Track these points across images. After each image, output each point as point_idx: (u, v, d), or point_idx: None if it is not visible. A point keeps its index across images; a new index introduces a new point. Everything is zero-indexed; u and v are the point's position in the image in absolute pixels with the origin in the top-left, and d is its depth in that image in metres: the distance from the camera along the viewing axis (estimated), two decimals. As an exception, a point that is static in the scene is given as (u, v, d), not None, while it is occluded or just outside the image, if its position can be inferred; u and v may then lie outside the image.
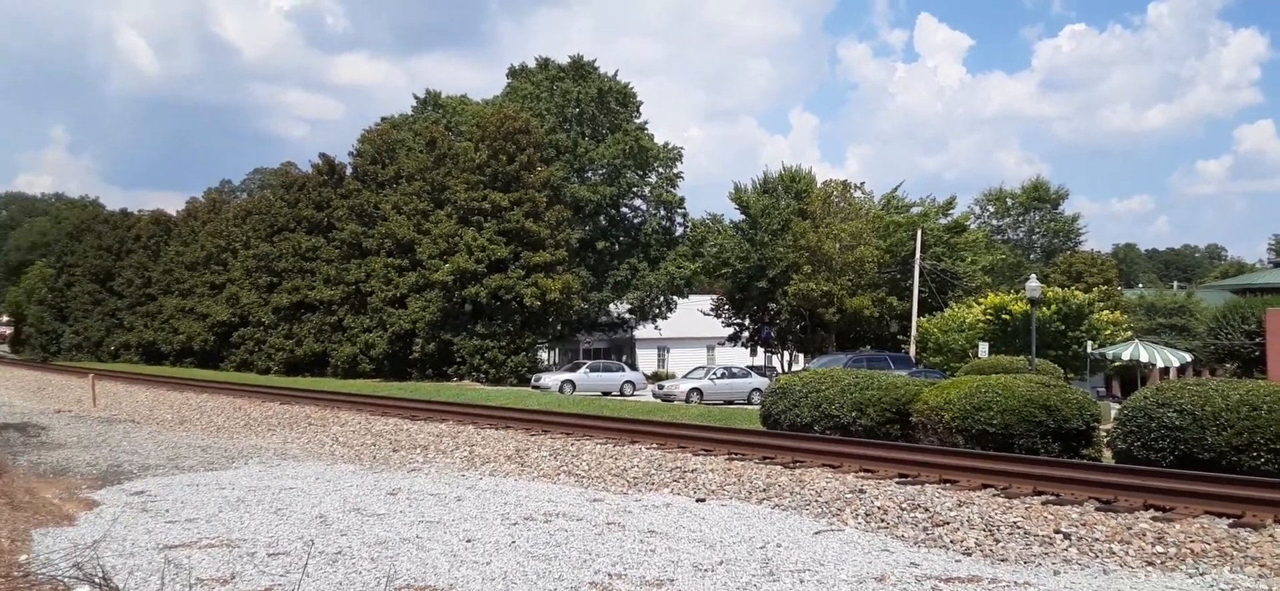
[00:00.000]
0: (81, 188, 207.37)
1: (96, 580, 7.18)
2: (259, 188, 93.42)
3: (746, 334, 55.01)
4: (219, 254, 63.74)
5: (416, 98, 64.77)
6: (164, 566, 8.10)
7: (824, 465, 14.09)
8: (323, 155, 57.49)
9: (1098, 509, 10.61)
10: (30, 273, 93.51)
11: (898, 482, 12.66)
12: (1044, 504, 10.96)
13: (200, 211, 72.55)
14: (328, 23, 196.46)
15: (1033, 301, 30.74)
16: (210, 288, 63.20)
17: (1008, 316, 36.22)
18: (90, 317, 76.00)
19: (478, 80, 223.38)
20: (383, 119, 62.30)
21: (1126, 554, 9.12)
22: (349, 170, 56.10)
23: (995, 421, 15.84)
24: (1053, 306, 35.79)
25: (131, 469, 15.69)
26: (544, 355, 53.37)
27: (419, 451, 18.02)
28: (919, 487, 12.24)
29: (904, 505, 11.28)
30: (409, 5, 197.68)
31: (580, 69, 54.17)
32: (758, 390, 32.74)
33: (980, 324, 37.21)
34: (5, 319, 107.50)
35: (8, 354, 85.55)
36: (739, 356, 54.72)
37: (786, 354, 54.02)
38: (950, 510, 10.92)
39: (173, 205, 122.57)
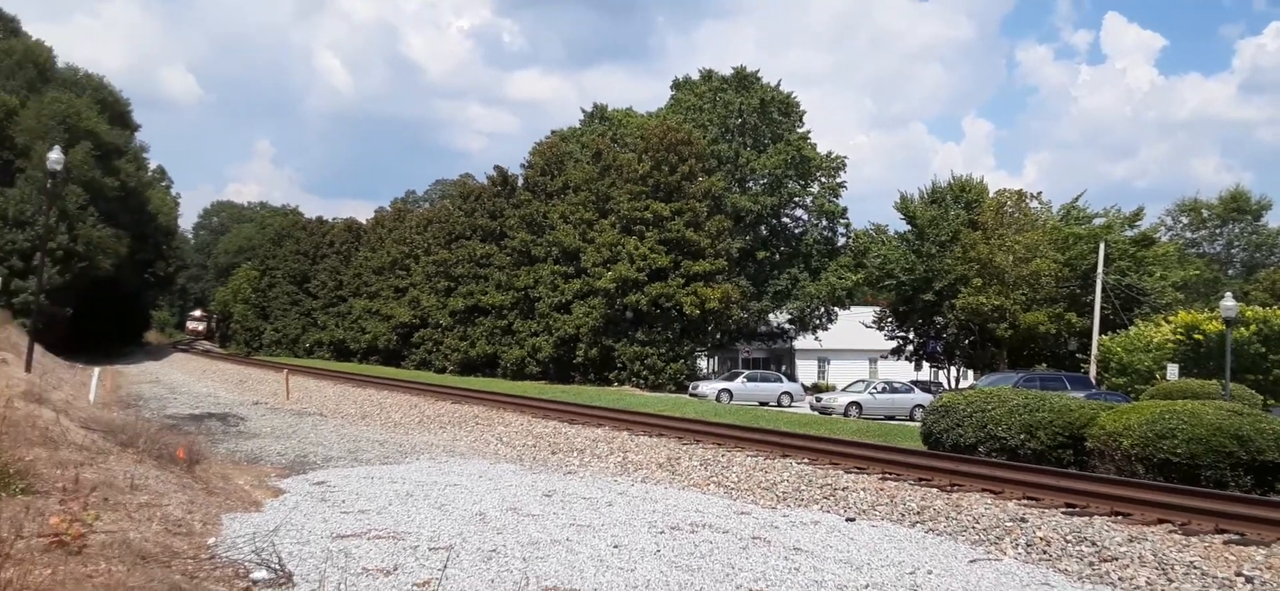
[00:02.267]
0: (283, 197, 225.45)
1: (272, 566, 7.83)
2: (439, 198, 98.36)
3: (910, 347, 53.37)
4: (403, 259, 67.56)
5: (584, 111, 66.74)
6: (334, 555, 8.74)
7: (984, 490, 13.55)
8: (497, 167, 60.08)
9: (1289, 552, 9.74)
10: (237, 274, 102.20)
11: (1064, 512, 12.02)
12: (1226, 543, 10.16)
13: (386, 220, 77.15)
14: (505, 41, 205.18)
15: (1228, 321, 28.35)
16: (394, 291, 67.09)
17: (1200, 336, 33.54)
18: (288, 316, 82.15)
19: (644, 92, 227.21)
20: (552, 132, 64.47)
21: (1320, 604, 8.35)
22: (520, 181, 58.30)
23: (1180, 451, 14.79)
24: (1252, 327, 32.88)
25: (316, 460, 16.91)
26: (703, 363, 53.60)
27: (576, 454, 18.54)
28: (1087, 519, 11.58)
29: (1069, 537, 10.72)
30: (581, 22, 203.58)
31: (743, 79, 54.16)
32: (920, 406, 31.73)
33: (1169, 344, 34.64)
34: (198, 314, 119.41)
35: (215, 348, 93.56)
36: (903, 370, 53.16)
37: (954, 370, 52.02)
38: (1120, 545, 10.30)
39: (363, 213, 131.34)
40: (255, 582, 7.24)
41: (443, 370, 56.92)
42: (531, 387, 42.12)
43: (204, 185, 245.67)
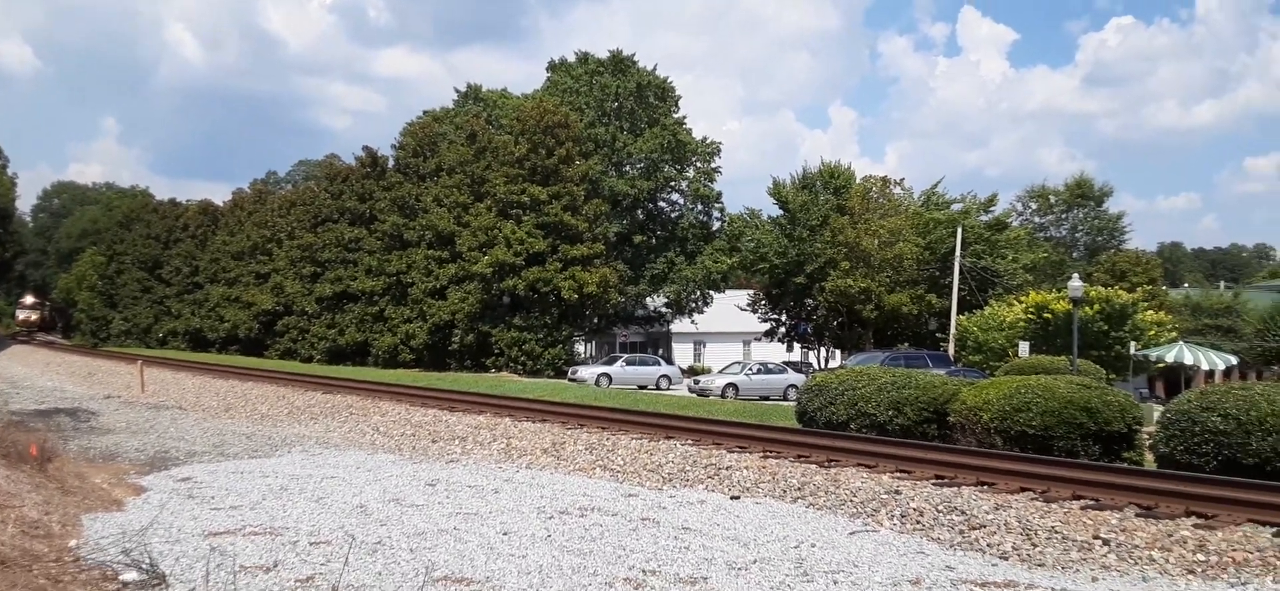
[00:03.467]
0: (131, 178, 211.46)
1: (144, 566, 7.38)
2: (304, 179, 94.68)
3: (783, 329, 54.82)
4: (264, 244, 64.74)
5: (457, 91, 65.38)
6: (209, 553, 8.31)
7: (859, 465, 14.05)
8: (366, 148, 58.15)
9: (1138, 514, 10.48)
10: (81, 260, 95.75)
11: (934, 484, 12.60)
12: (1083, 508, 10.86)
13: (246, 202, 73.73)
14: (370, 16, 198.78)
15: (1075, 301, 30.29)
16: (255, 277, 64.24)
17: (1049, 315, 35.70)
18: (139, 305, 77.60)
19: (518, 74, 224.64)
20: (424, 112, 62.90)
21: (1167, 561, 9.02)
22: (391, 162, 56.70)
23: (1035, 423, 15.68)
24: (1096, 306, 35.21)
25: (178, 455, 16.06)
26: (581, 348, 53.61)
27: (457, 442, 18.25)
28: (956, 489, 12.17)
29: (940, 507, 11.24)
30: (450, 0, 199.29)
31: (619, 63, 54.24)
32: (794, 386, 32.67)
33: (1021, 323, 36.72)
34: (30, 301, 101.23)
35: (59, 340, 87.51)
36: (775, 352, 54.59)
37: (823, 350, 53.77)
38: (987, 513, 10.86)
39: (220, 195, 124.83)
40: (126, 584, 6.81)
41: (309, 359, 54.94)
42: (406, 376, 41.19)
43: (43, 165, 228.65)
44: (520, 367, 44.77)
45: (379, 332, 52.05)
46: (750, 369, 36.51)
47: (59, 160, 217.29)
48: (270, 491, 12.34)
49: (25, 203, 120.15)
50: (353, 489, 12.70)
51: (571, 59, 57.31)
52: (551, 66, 58.51)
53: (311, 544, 9.21)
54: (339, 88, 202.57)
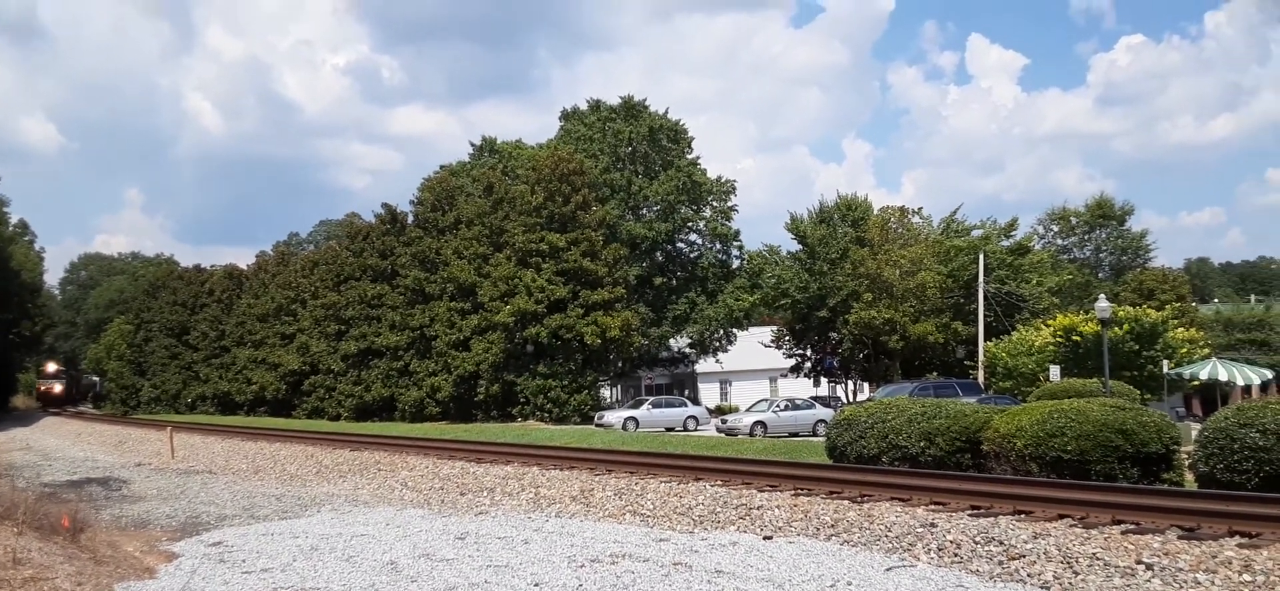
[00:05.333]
0: (156, 246, 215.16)
1: (179, 634, 7.35)
2: (325, 239, 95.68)
3: (809, 364, 54.47)
4: (289, 305, 65.32)
5: (473, 145, 66.08)
6: (242, 617, 8.27)
7: (893, 498, 13.85)
8: (385, 205, 58.83)
9: (1180, 536, 10.24)
10: (110, 329, 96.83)
11: (970, 515, 12.38)
12: (1124, 533, 10.62)
13: (269, 264, 74.55)
14: (384, 77, 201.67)
15: (1103, 321, 29.92)
16: (281, 338, 64.74)
17: (1078, 337, 35.29)
18: (167, 371, 78.31)
19: (531, 125, 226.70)
20: (441, 167, 63.56)
21: (1212, 583, 8.79)
22: (410, 218, 57.22)
23: (1070, 447, 15.43)
24: (1125, 326, 34.77)
25: (209, 519, 16.08)
26: (607, 392, 53.47)
27: (486, 494, 18.17)
28: (993, 519, 11.95)
29: (978, 538, 11.03)
30: (462, 56, 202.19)
31: (631, 109, 54.64)
32: (822, 421, 32.37)
33: (1050, 346, 36.32)
34: (52, 369, 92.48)
35: (88, 410, 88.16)
36: (802, 387, 54.17)
37: (850, 383, 53.33)
38: (1026, 542, 10.65)
39: (243, 259, 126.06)
40: (158, 656, 6.77)
41: (337, 417, 55.15)
42: (433, 429, 41.23)
43: (69, 238, 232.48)
44: (547, 415, 44.69)
45: (405, 387, 52.21)
46: (778, 406, 36.24)
47: (85, 233, 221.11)
48: (300, 552, 12.31)
49: (53, 276, 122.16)
50: (383, 546, 12.65)
51: (583, 107, 57.82)
52: (564, 115, 59.06)
53: (343, 604, 9.16)
54: (356, 148, 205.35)
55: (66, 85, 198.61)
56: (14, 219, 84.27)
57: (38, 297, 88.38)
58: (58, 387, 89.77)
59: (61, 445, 40.28)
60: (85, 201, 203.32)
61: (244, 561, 11.76)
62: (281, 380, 62.44)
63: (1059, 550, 10.19)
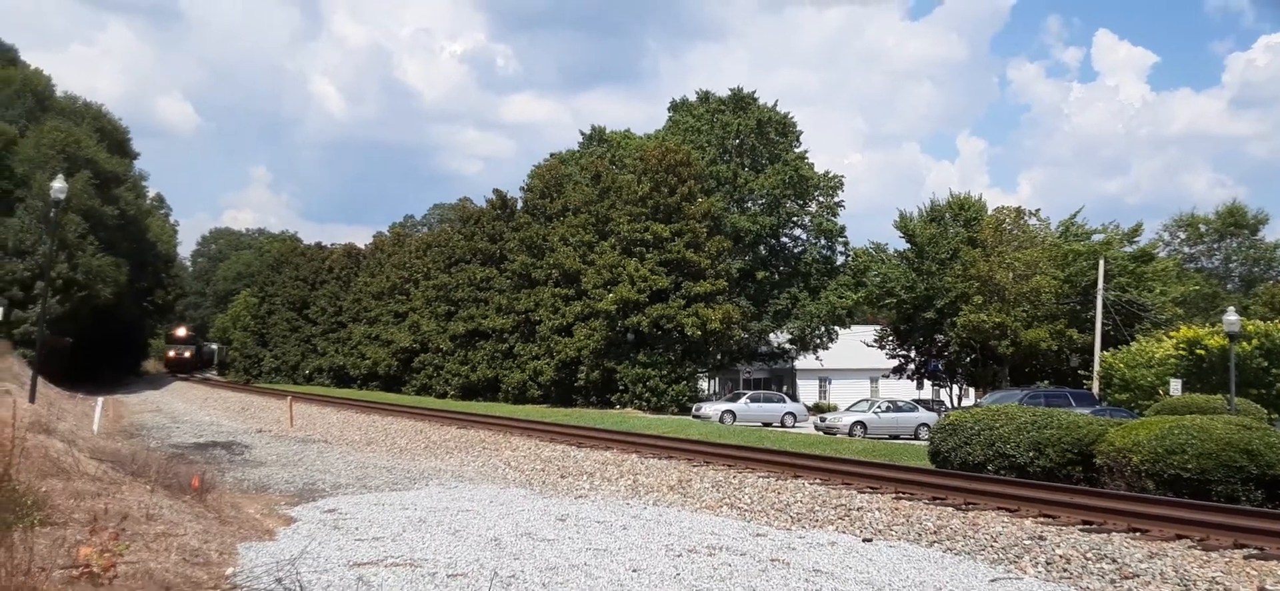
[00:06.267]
0: (280, 223, 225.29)
1: (299, 594, 7.78)
2: (438, 222, 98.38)
3: (912, 366, 53.34)
4: (402, 284, 67.51)
5: (582, 133, 67.02)
6: (355, 584, 8.69)
7: (999, 508, 13.51)
8: (496, 190, 60.20)
9: (1311, 567, 9.72)
10: (236, 301, 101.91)
11: (1081, 530, 11.99)
12: (1246, 558, 10.14)
13: (386, 245, 77.15)
14: (499, 65, 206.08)
15: (1231, 335, 28.39)
16: (394, 316, 67.00)
17: (1203, 351, 33.55)
18: (288, 343, 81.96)
19: (637, 114, 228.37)
20: (551, 155, 64.59)
21: (1346, 619, 8.32)
22: (520, 204, 58.39)
23: (1190, 465, 14.78)
24: (1254, 341, 32.89)
25: (324, 487, 16.82)
26: (704, 384, 53.53)
27: (585, 478, 18.48)
28: (1105, 536, 11.55)
29: (1089, 554, 10.69)
30: (573, 45, 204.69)
31: (740, 100, 54.40)
32: (925, 425, 31.72)
33: (1171, 359, 34.64)
34: (182, 334, 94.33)
35: (214, 376, 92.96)
36: (904, 389, 53.11)
37: (955, 388, 51.98)
38: (1141, 562, 10.27)
39: (361, 239, 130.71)
40: (281, 613, 7.19)
41: (444, 395, 56.78)
42: (534, 411, 42.03)
43: (201, 212, 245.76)
44: (644, 404, 45.03)
45: (509, 369, 53.37)
46: (879, 406, 35.65)
47: (215, 208, 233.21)
48: (409, 523, 12.78)
49: (185, 248, 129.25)
50: (487, 522, 13.03)
51: (692, 98, 57.88)
52: (673, 106, 59.21)
53: (449, 575, 9.50)
54: (470, 134, 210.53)
55: (202, 67, 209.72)
56: (151, 193, 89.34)
57: (171, 268, 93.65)
58: (187, 353, 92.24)
59: (189, 409, 42.65)
60: (216, 178, 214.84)
61: (356, 529, 12.29)
62: (393, 356, 64.60)
63: (1176, 572, 9.79)
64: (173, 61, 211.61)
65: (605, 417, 37.70)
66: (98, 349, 63.26)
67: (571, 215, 52.76)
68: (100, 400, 31.04)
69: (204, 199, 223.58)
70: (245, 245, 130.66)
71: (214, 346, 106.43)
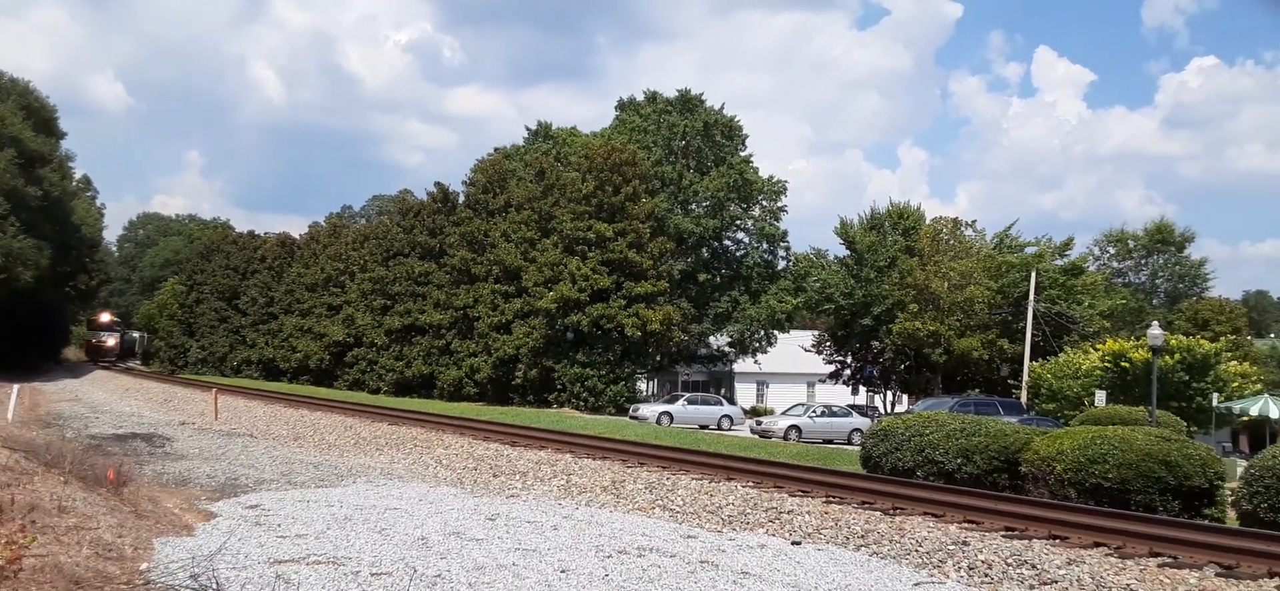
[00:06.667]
0: (213, 210, 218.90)
1: (211, 592, 7.53)
2: (377, 213, 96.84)
3: (848, 372, 54.00)
4: (337, 276, 66.33)
5: (528, 129, 66.48)
6: (274, 581, 8.45)
7: (926, 513, 13.72)
8: (437, 183, 59.52)
9: (1218, 574, 10.04)
10: (163, 289, 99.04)
11: (1004, 536, 12.22)
12: (1160, 566, 10.43)
13: (321, 235, 75.74)
14: (444, 56, 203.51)
15: (1155, 349, 29.31)
16: (328, 308, 65.78)
17: (1127, 364, 34.57)
18: (216, 333, 79.96)
19: (585, 112, 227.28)
20: (495, 149, 64.05)
21: (1251, 626, 8.59)
22: (461, 198, 57.78)
23: (1111, 475, 15.17)
24: (1176, 355, 33.99)
25: (247, 482, 16.40)
26: (643, 386, 53.55)
27: (518, 477, 18.31)
28: (1026, 543, 11.79)
29: (1010, 560, 10.89)
30: (522, 40, 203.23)
31: (687, 102, 54.59)
32: (858, 430, 32.14)
33: (1097, 371, 35.62)
34: (106, 320, 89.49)
35: (137, 366, 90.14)
36: (840, 394, 53.76)
37: (889, 394, 52.80)
38: (1059, 568, 10.49)
39: (296, 228, 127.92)
40: (191, 611, 6.94)
41: (377, 391, 55.94)
42: (470, 409, 41.61)
43: (129, 196, 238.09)
44: (582, 404, 44.90)
45: (445, 366, 52.77)
46: (814, 411, 36.06)
47: (144, 192, 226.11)
48: (335, 521, 12.51)
49: (111, 232, 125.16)
50: (415, 521, 12.81)
51: (640, 98, 57.89)
52: (620, 105, 59.19)
53: (373, 574, 9.30)
54: (413, 125, 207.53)
55: (137, 46, 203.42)
56: (77, 174, 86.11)
57: (96, 253, 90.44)
58: (110, 341, 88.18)
59: (109, 399, 41.32)
60: (147, 161, 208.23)
61: (279, 526, 11.98)
62: (325, 350, 63.45)
63: (1092, 578, 10.02)
64: (106, 40, 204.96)
65: (542, 417, 37.49)
66: (15, 335, 60.87)
67: (514, 211, 52.38)
68: (16, 388, 29.91)
69: (133, 182, 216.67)
70: (174, 231, 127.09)
71: (138, 335, 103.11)
